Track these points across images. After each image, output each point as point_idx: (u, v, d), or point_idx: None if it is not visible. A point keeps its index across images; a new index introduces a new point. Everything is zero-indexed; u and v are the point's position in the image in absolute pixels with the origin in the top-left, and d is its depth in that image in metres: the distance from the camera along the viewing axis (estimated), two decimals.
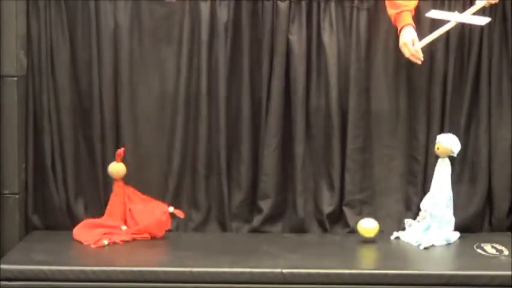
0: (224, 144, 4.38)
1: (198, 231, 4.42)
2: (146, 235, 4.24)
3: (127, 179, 4.39)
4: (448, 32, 4.20)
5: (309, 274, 3.77)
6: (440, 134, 4.33)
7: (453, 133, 4.32)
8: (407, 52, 4.14)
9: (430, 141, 4.35)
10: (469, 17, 4.05)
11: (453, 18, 4.07)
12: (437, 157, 4.26)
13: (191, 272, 3.77)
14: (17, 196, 4.22)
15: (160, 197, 4.42)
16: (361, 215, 4.40)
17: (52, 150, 4.34)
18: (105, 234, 4.18)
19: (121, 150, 4.27)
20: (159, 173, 4.44)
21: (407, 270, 3.83)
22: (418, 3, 4.23)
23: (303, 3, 4.33)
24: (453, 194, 4.30)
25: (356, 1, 4.33)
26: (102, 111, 4.36)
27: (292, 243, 4.20)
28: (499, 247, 4.08)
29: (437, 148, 4.23)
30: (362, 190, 4.42)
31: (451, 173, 4.30)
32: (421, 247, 4.10)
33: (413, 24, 4.14)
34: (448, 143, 4.21)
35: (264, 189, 4.40)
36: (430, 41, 4.12)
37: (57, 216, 4.36)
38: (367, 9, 4.32)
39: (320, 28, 4.35)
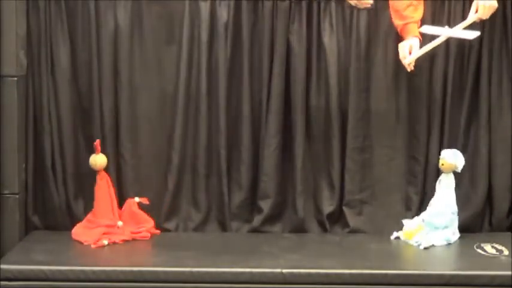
0: (224, 144, 4.39)
1: (198, 231, 4.42)
2: (146, 234, 4.25)
3: (127, 179, 4.39)
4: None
5: (309, 274, 3.77)
6: (440, 134, 4.33)
7: (453, 133, 4.33)
8: (400, 54, 4.14)
9: (430, 141, 4.35)
10: (459, 32, 4.07)
11: (444, 33, 4.08)
12: (438, 163, 4.27)
13: (191, 272, 3.78)
14: (17, 196, 4.22)
15: (161, 196, 4.42)
16: (361, 215, 4.40)
17: (52, 150, 4.34)
18: (104, 234, 4.18)
19: (97, 142, 4.27)
20: (159, 172, 4.44)
21: (407, 270, 3.83)
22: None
23: (303, 3, 4.33)
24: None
25: None
26: (102, 111, 4.36)
27: (292, 243, 4.20)
28: (499, 247, 4.08)
29: (442, 164, 4.23)
30: (362, 190, 4.42)
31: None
32: (421, 247, 4.10)
33: (420, 37, 4.13)
34: (452, 159, 4.21)
35: (264, 189, 4.40)
36: (420, 55, 4.12)
37: (57, 216, 4.36)
38: (367, 9, 4.32)
39: (320, 28, 4.35)
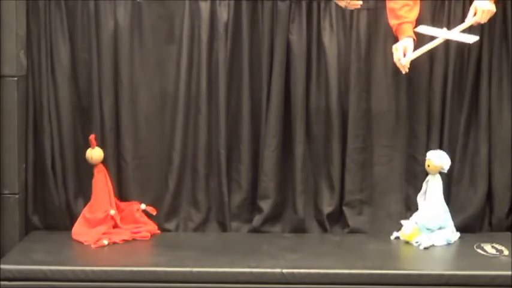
0: (224, 144, 4.38)
1: (198, 231, 4.42)
2: (146, 234, 4.26)
3: (127, 179, 4.39)
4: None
5: (309, 274, 3.77)
6: (440, 133, 4.33)
7: (453, 133, 4.33)
8: (394, 57, 4.14)
9: (430, 141, 4.35)
10: (457, 35, 4.06)
11: (441, 34, 4.07)
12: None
13: (191, 272, 3.78)
14: (17, 196, 4.22)
15: (161, 197, 4.42)
16: (361, 215, 4.40)
17: (52, 150, 4.34)
18: (104, 234, 4.18)
19: (92, 136, 4.27)
20: (159, 172, 4.44)
21: (407, 270, 3.83)
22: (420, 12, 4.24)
23: (303, 3, 4.33)
24: (453, 194, 4.31)
25: None
26: (102, 111, 4.36)
27: (292, 243, 4.20)
28: (499, 247, 4.08)
29: (428, 165, 4.24)
30: (362, 190, 4.42)
31: (452, 173, 4.31)
32: (421, 247, 4.10)
33: (414, 37, 4.13)
34: (438, 160, 4.21)
35: (264, 190, 4.40)
36: (415, 56, 4.11)
37: (57, 216, 4.36)
38: (367, 9, 4.32)
39: (320, 28, 4.35)
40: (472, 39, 4.02)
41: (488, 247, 4.08)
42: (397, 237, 4.25)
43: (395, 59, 4.14)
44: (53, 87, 4.34)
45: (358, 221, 4.39)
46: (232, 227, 4.42)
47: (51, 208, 4.36)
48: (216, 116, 4.39)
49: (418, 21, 4.22)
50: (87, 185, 4.37)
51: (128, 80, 4.37)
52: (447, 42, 4.29)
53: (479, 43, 4.28)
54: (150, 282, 3.78)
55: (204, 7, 4.34)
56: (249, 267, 3.80)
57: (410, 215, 4.36)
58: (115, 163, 4.40)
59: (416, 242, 4.15)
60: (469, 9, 4.11)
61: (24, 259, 3.89)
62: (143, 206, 4.35)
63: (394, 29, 4.18)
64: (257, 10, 4.37)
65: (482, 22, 4.07)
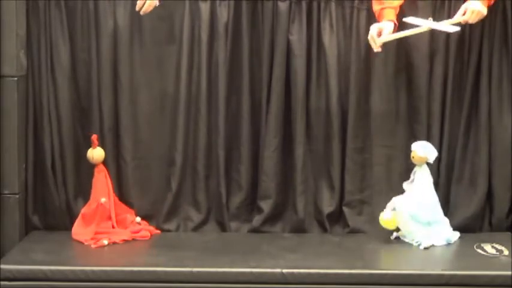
0: (224, 145, 4.38)
1: (198, 231, 4.41)
2: (146, 234, 4.26)
3: (127, 180, 4.39)
4: (447, 33, 4.19)
5: (309, 274, 3.77)
6: (440, 134, 4.33)
7: (453, 133, 4.33)
8: (369, 35, 4.13)
9: (430, 141, 4.34)
10: (440, 25, 4.07)
11: (425, 24, 4.08)
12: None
13: (191, 272, 3.78)
14: (17, 196, 4.22)
15: (161, 197, 4.42)
16: (361, 215, 4.40)
17: (52, 150, 4.34)
18: (102, 233, 4.19)
19: (94, 137, 4.28)
20: (159, 173, 4.44)
21: (407, 270, 3.83)
22: (417, 5, 4.23)
23: (303, 4, 4.33)
24: (453, 194, 4.31)
25: (356, 1, 4.33)
26: (101, 111, 4.36)
27: (292, 243, 4.20)
28: (499, 247, 4.08)
29: (413, 157, 4.24)
30: (362, 190, 4.42)
31: (452, 173, 4.32)
32: (421, 247, 4.10)
33: (395, 21, 4.13)
34: (422, 152, 4.21)
35: (264, 190, 4.40)
36: (393, 38, 4.11)
37: (57, 216, 4.36)
38: (367, 9, 4.31)
39: (320, 28, 4.35)
40: (453, 29, 4.03)
41: (488, 247, 4.08)
42: (397, 237, 4.25)
43: (369, 37, 4.12)
44: (53, 87, 4.34)
45: (358, 221, 4.39)
46: (232, 227, 4.42)
47: (51, 208, 4.36)
48: (216, 116, 4.39)
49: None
50: (87, 185, 4.37)
51: (127, 80, 4.37)
52: (447, 42, 4.30)
53: (479, 43, 4.29)
54: (150, 282, 3.78)
55: (204, 7, 4.34)
56: (249, 267, 3.80)
57: None
58: (115, 163, 4.40)
59: (417, 242, 4.15)
60: None
61: (24, 259, 3.89)
62: (138, 219, 4.36)
63: (376, 15, 4.17)
64: (257, 10, 4.37)
65: (471, 22, 4.08)
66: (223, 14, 4.34)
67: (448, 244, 4.17)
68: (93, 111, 4.37)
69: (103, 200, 4.26)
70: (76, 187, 4.39)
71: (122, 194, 4.42)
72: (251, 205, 4.44)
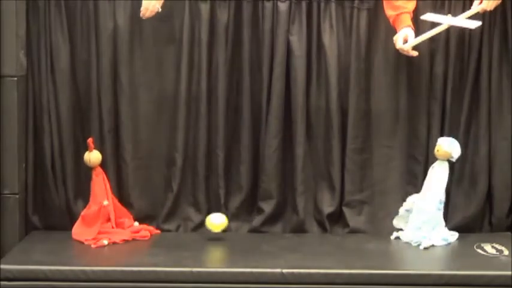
0: (224, 145, 4.38)
1: (198, 231, 4.41)
2: (146, 234, 4.27)
3: (127, 180, 4.39)
4: (448, 32, 4.20)
5: (309, 274, 3.77)
6: (440, 134, 4.33)
7: (453, 133, 4.33)
8: (397, 46, 4.15)
9: (430, 141, 4.35)
10: (461, 21, 4.07)
11: (446, 21, 4.09)
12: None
13: (191, 272, 3.77)
14: (17, 196, 4.22)
15: (161, 197, 4.42)
16: (361, 215, 4.40)
17: (52, 150, 4.34)
18: (103, 233, 4.19)
19: (90, 140, 4.27)
20: (159, 173, 4.44)
21: (407, 270, 3.84)
22: (418, 6, 4.24)
23: (303, 4, 4.33)
24: (453, 194, 4.31)
25: (356, 1, 4.33)
26: (101, 111, 4.36)
27: (292, 243, 4.20)
28: (499, 247, 4.08)
29: (437, 150, 4.24)
30: (362, 190, 4.42)
31: (451, 173, 4.31)
32: (421, 247, 4.10)
33: (412, 26, 4.14)
34: (448, 146, 4.21)
35: (264, 190, 4.40)
36: (418, 42, 4.13)
37: (57, 216, 4.36)
38: (367, 9, 4.32)
39: (320, 28, 4.35)
40: (475, 24, 4.03)
41: (488, 247, 4.08)
42: (397, 237, 4.25)
43: (397, 47, 4.14)
44: (52, 88, 4.34)
45: (358, 221, 4.39)
46: (232, 227, 4.42)
47: (51, 208, 4.36)
48: (216, 117, 4.39)
49: (419, 21, 4.23)
50: (87, 185, 4.36)
51: (127, 81, 4.37)
52: (447, 42, 4.30)
53: (479, 42, 4.29)
54: (150, 282, 3.77)
55: (204, 8, 4.34)
56: (249, 267, 3.80)
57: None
58: (114, 164, 4.40)
59: (416, 242, 4.14)
60: (469, 7, 4.12)
61: (24, 259, 3.89)
62: (136, 224, 4.35)
63: (391, 20, 4.18)
64: (257, 10, 4.37)
65: (489, 9, 4.07)
66: (223, 14, 4.34)
67: (448, 244, 4.16)
68: (93, 111, 4.37)
69: (105, 202, 4.26)
70: (76, 187, 4.39)
71: (121, 194, 4.42)
72: (251, 205, 4.44)
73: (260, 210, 4.40)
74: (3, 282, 3.75)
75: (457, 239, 4.22)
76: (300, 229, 4.40)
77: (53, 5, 4.30)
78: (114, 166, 4.40)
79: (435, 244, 4.13)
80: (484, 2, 4.05)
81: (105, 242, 4.13)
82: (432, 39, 4.27)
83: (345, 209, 4.41)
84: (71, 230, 4.27)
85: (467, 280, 3.74)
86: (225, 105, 4.38)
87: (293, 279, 3.77)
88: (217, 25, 4.35)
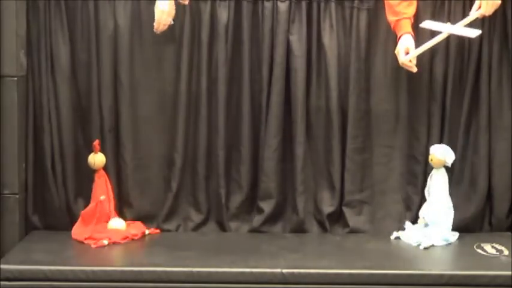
0: (224, 145, 4.38)
1: (198, 231, 4.41)
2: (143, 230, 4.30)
3: (127, 180, 4.39)
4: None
5: (309, 274, 3.77)
6: (440, 134, 4.34)
7: (453, 133, 4.33)
8: (399, 60, 4.16)
9: (430, 142, 4.35)
10: (461, 30, 4.07)
11: (446, 29, 4.09)
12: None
13: (191, 272, 3.77)
14: (17, 196, 4.22)
15: (161, 197, 4.42)
16: (361, 215, 4.40)
17: (52, 150, 4.34)
18: (103, 232, 4.20)
19: (96, 142, 4.28)
20: (159, 173, 4.44)
21: (407, 270, 3.83)
22: (418, 8, 4.23)
23: (303, 4, 4.33)
24: (453, 194, 4.31)
25: (356, 1, 4.33)
26: (101, 111, 4.36)
27: (292, 243, 4.20)
28: (499, 247, 4.08)
29: (431, 159, 4.24)
30: (362, 190, 4.42)
31: (451, 173, 4.31)
32: (421, 247, 4.10)
33: (412, 33, 4.14)
34: (441, 154, 4.22)
35: (264, 190, 4.40)
36: (420, 52, 4.13)
37: (57, 216, 4.36)
38: (367, 9, 4.32)
39: (320, 28, 4.35)
40: (474, 33, 4.03)
41: (488, 247, 4.08)
42: (397, 237, 4.25)
43: (400, 63, 4.15)
44: (52, 87, 4.34)
45: (358, 221, 4.39)
46: (232, 227, 4.42)
47: (51, 208, 4.36)
48: (216, 117, 4.39)
49: (418, 21, 4.23)
50: (87, 185, 4.37)
51: (127, 81, 4.37)
52: (447, 42, 4.30)
53: (479, 43, 4.29)
54: (150, 282, 3.77)
55: (204, 7, 4.34)
56: (249, 267, 3.80)
57: (410, 215, 4.37)
58: (114, 163, 4.40)
59: (416, 242, 4.14)
60: (469, 9, 4.12)
61: (24, 259, 3.89)
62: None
63: (392, 25, 4.19)
64: (257, 10, 4.37)
65: (487, 14, 4.07)
66: (223, 14, 4.34)
67: (448, 244, 4.16)
68: (93, 111, 4.37)
69: (102, 197, 4.27)
70: (76, 187, 4.39)
71: (121, 194, 4.42)
72: (251, 205, 4.44)
73: (260, 210, 4.40)
74: (3, 282, 3.75)
75: (457, 239, 4.22)
76: (300, 229, 4.40)
77: (53, 5, 4.30)
78: (114, 166, 4.40)
79: (435, 244, 4.13)
80: (482, 7, 4.04)
81: (105, 242, 4.13)
82: (433, 35, 4.26)
83: (345, 209, 4.41)
84: (71, 230, 4.27)
85: (467, 280, 3.74)
86: (225, 105, 4.38)
87: (293, 279, 3.76)
88: (217, 25, 4.34)
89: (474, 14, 4.07)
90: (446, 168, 4.27)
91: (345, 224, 4.39)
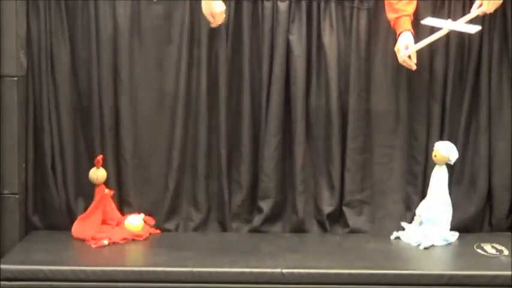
0: (224, 144, 4.38)
1: (198, 231, 4.41)
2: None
3: (127, 179, 4.39)
4: (448, 33, 4.20)
5: (309, 274, 3.77)
6: (440, 134, 4.33)
7: (453, 133, 4.33)
8: (399, 58, 4.16)
9: (430, 141, 4.35)
10: (461, 25, 4.07)
11: (446, 26, 4.09)
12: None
13: (191, 272, 3.78)
14: (17, 196, 4.22)
15: (161, 196, 4.42)
16: (361, 215, 4.40)
17: (52, 150, 4.34)
18: (104, 232, 4.20)
19: (100, 157, 4.28)
20: (159, 172, 4.44)
21: (407, 270, 3.83)
22: (418, 7, 4.24)
23: (303, 4, 4.33)
24: (453, 194, 4.31)
25: (356, 1, 4.33)
26: (101, 111, 4.36)
27: (292, 243, 4.20)
28: (499, 247, 4.08)
29: (435, 155, 4.24)
30: (362, 190, 4.42)
31: (451, 173, 4.31)
32: (421, 247, 4.10)
33: (412, 30, 4.15)
34: (445, 151, 4.22)
35: (264, 189, 4.40)
36: (419, 48, 4.13)
37: (57, 216, 4.36)
38: (367, 9, 4.32)
39: (320, 28, 4.35)
40: (474, 29, 4.03)
41: (488, 247, 4.08)
42: (397, 237, 4.25)
43: (400, 60, 4.15)
44: (53, 87, 4.34)
45: (358, 221, 4.39)
46: (232, 227, 4.42)
47: (51, 208, 4.36)
48: (216, 116, 4.39)
49: (418, 21, 4.23)
50: (87, 185, 4.37)
51: (127, 80, 4.37)
52: (447, 42, 4.30)
53: (479, 42, 4.29)
54: (150, 282, 3.77)
55: None
56: (249, 267, 3.80)
57: (410, 215, 4.37)
58: (115, 163, 4.40)
59: (416, 242, 4.14)
60: (469, 9, 4.12)
61: (24, 259, 3.89)
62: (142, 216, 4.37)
63: (392, 23, 4.19)
64: (257, 10, 4.37)
65: (488, 12, 4.07)
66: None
67: (448, 244, 4.16)
68: (93, 111, 4.37)
69: (107, 191, 4.27)
70: (76, 187, 4.38)
71: (121, 193, 4.42)
72: (251, 205, 4.44)
73: (260, 210, 4.40)
74: (3, 282, 3.75)
75: (457, 239, 4.22)
76: (299, 229, 4.40)
77: (53, 5, 4.30)
78: (114, 165, 4.40)
79: (435, 244, 4.13)
80: (484, 4, 4.04)
81: (105, 242, 4.13)
82: (432, 32, 4.26)
83: (345, 209, 4.41)
84: (71, 230, 4.26)
85: (467, 280, 3.74)
86: (225, 105, 4.38)
87: (293, 279, 3.77)
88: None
89: (475, 11, 4.07)
90: (447, 167, 4.26)
91: (345, 224, 4.40)
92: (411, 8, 4.19)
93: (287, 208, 4.44)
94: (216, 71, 4.37)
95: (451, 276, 3.75)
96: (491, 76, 4.31)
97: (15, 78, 4.17)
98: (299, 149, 4.38)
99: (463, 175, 4.36)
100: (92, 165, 4.35)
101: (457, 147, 4.30)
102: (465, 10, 4.22)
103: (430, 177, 4.30)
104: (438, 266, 3.92)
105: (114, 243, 4.15)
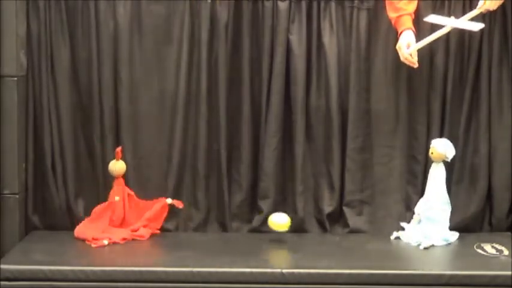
0: (224, 144, 4.38)
1: (198, 231, 4.41)
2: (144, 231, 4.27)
3: (127, 179, 4.39)
4: (448, 32, 4.20)
5: (309, 274, 3.77)
6: (440, 133, 4.33)
7: (453, 133, 4.33)
8: (400, 56, 4.16)
9: (430, 141, 4.34)
10: (464, 23, 4.07)
11: (449, 23, 4.09)
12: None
13: (191, 272, 3.78)
14: (17, 196, 4.22)
15: (161, 196, 4.42)
16: (361, 215, 4.40)
17: (52, 150, 4.34)
18: (104, 231, 4.20)
19: (119, 149, 4.27)
20: (159, 172, 4.44)
21: (407, 270, 3.83)
22: (419, 6, 4.24)
23: (303, 3, 4.33)
24: (453, 194, 4.31)
25: (356, 1, 4.33)
26: (102, 111, 4.36)
27: (292, 243, 4.20)
28: (499, 247, 4.08)
29: (432, 153, 4.24)
30: (362, 190, 4.42)
31: (451, 173, 4.31)
32: (421, 247, 4.10)
33: (413, 29, 4.15)
34: (442, 148, 4.22)
35: (264, 189, 4.40)
36: (422, 46, 4.13)
37: (57, 216, 4.36)
38: (367, 9, 4.32)
39: (320, 28, 4.35)
40: (478, 26, 4.03)
41: (488, 247, 4.08)
42: (397, 237, 4.25)
43: (401, 58, 4.15)
44: (53, 87, 4.34)
45: (358, 221, 4.39)
46: (232, 227, 4.42)
47: (51, 208, 4.36)
48: (216, 116, 4.39)
49: (419, 20, 4.23)
50: (87, 185, 4.37)
51: (127, 80, 4.37)
52: (447, 42, 4.30)
53: (479, 42, 4.29)
54: (150, 282, 3.77)
55: (204, 7, 4.34)
56: (249, 267, 3.80)
57: (410, 215, 4.36)
58: None
59: (416, 242, 4.15)
60: (469, 8, 4.12)
61: (24, 259, 3.89)
62: (169, 201, 4.35)
63: (393, 22, 4.19)
64: (257, 10, 4.37)
65: (491, 9, 4.07)
66: (224, 13, 4.34)
67: (448, 244, 4.17)
68: (94, 111, 4.37)
69: (117, 198, 4.27)
70: (76, 187, 4.38)
71: None
72: (251, 205, 4.44)
73: (260, 210, 4.40)
74: (3, 282, 3.75)
75: (457, 239, 4.22)
76: (300, 229, 4.40)
77: (53, 5, 4.30)
78: None
79: (435, 244, 4.13)
80: (487, 2, 4.04)
81: (105, 242, 4.13)
82: (433, 30, 4.26)
83: (345, 209, 4.41)
84: (71, 230, 4.27)
85: (467, 280, 3.74)
86: (225, 105, 4.38)
87: (293, 279, 3.77)
88: (217, 24, 4.34)
89: (478, 8, 4.07)
90: (446, 167, 4.26)
91: (345, 224, 4.40)
92: (412, 6, 4.19)
93: (287, 208, 4.43)
94: (216, 71, 4.37)
95: (451, 276, 3.75)
96: (491, 76, 4.31)
97: (15, 78, 4.17)
98: (299, 149, 4.38)
99: (463, 175, 4.36)
100: (92, 165, 4.35)
101: (457, 147, 4.30)
102: (465, 10, 4.22)
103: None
104: (438, 266, 3.92)
105: (114, 243, 4.15)
